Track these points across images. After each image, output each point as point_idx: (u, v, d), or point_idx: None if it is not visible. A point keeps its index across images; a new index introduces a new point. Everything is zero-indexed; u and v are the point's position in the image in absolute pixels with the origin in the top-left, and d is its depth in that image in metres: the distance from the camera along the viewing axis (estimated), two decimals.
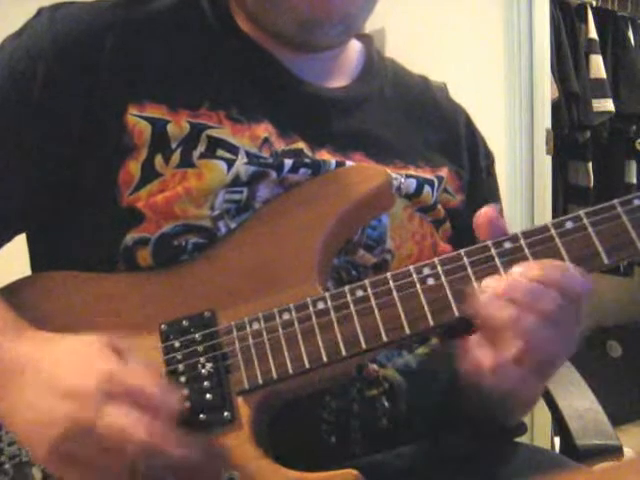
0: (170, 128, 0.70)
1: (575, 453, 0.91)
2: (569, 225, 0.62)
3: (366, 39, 0.89)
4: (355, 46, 0.87)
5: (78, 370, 0.59)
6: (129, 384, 0.58)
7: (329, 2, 0.72)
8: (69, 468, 0.58)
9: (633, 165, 2.89)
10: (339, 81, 0.82)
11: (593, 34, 2.72)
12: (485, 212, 0.63)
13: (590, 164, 2.75)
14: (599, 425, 0.95)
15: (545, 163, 2.49)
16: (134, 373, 0.59)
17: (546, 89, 2.47)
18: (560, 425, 0.97)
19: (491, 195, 0.90)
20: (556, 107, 2.54)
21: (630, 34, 2.85)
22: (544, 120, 2.47)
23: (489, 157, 0.91)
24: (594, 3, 2.74)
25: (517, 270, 0.60)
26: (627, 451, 0.97)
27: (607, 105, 2.69)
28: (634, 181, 2.88)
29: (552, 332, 0.59)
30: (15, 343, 0.63)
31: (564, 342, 0.61)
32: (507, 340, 0.59)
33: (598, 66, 2.70)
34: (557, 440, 1.00)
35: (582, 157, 2.75)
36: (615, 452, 0.91)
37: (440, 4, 2.31)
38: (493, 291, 0.59)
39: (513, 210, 2.39)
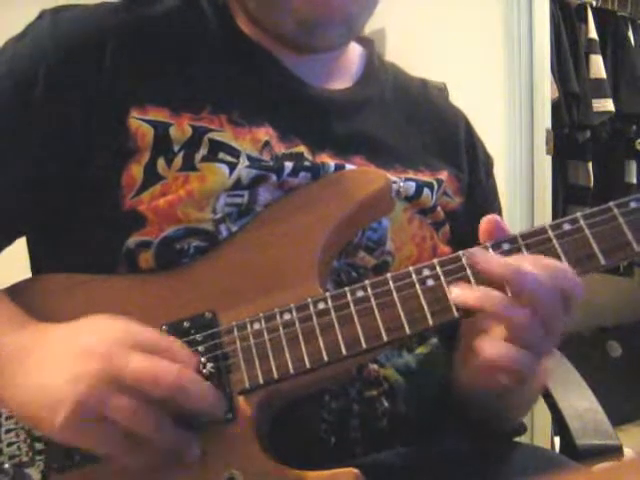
0: (172, 131, 0.71)
1: (575, 453, 0.91)
2: (566, 227, 0.62)
3: (367, 43, 0.89)
4: (356, 49, 0.87)
5: (93, 334, 0.60)
6: (150, 334, 0.60)
7: (330, 3, 0.72)
8: (90, 431, 0.58)
9: (633, 165, 2.89)
10: (340, 84, 0.82)
11: (593, 34, 2.72)
12: (489, 218, 0.63)
13: (590, 164, 2.75)
14: (599, 425, 0.95)
15: (545, 163, 2.49)
16: (149, 329, 0.61)
17: (546, 89, 2.47)
18: (560, 425, 0.97)
19: (490, 199, 0.91)
20: (556, 107, 2.54)
21: (630, 34, 2.85)
22: (544, 120, 2.47)
23: (488, 161, 0.92)
24: (594, 3, 2.74)
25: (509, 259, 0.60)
26: (627, 451, 0.97)
27: (607, 105, 2.69)
28: (634, 181, 2.88)
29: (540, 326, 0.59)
30: (19, 334, 0.64)
31: (549, 338, 0.60)
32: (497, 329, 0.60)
33: (598, 66, 2.70)
34: (557, 440, 1.00)
35: (582, 157, 2.75)
36: (615, 452, 0.92)
37: (440, 4, 2.32)
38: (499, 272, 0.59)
39: (513, 210, 2.39)
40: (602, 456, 0.90)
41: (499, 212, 0.92)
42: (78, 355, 0.59)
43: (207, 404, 0.60)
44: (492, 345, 0.59)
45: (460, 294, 0.60)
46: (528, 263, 0.59)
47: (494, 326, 0.61)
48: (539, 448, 0.87)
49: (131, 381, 0.57)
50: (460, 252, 0.63)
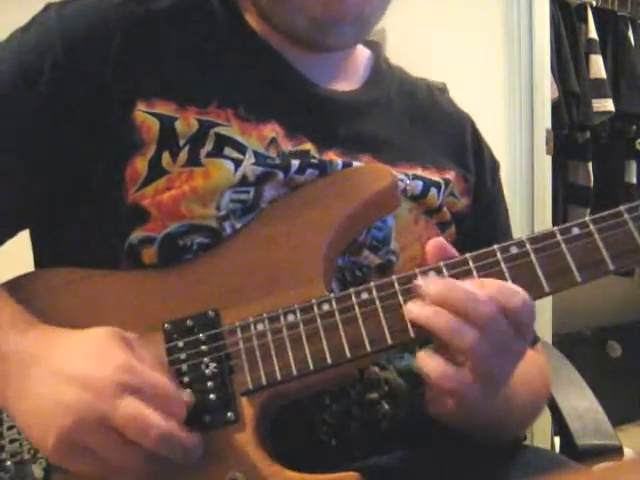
0: (178, 125, 0.70)
1: (575, 453, 0.91)
2: (575, 231, 0.62)
3: (375, 46, 0.89)
4: (364, 52, 0.88)
5: (92, 360, 0.59)
6: (146, 377, 0.59)
7: (342, 2, 0.72)
8: (77, 458, 0.58)
9: (633, 165, 2.89)
10: (347, 85, 0.82)
11: (593, 34, 2.71)
12: (435, 242, 0.63)
13: (590, 164, 2.75)
14: (599, 425, 0.95)
15: (545, 163, 2.49)
16: (148, 367, 0.60)
17: (546, 89, 2.47)
18: (560, 425, 0.97)
19: (496, 202, 0.91)
20: (556, 107, 2.54)
21: (630, 34, 2.84)
22: (544, 120, 2.47)
23: (495, 165, 0.92)
24: (594, 3, 2.74)
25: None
26: (627, 451, 0.98)
27: (607, 105, 2.69)
28: (634, 181, 2.88)
29: (489, 347, 0.58)
30: (23, 336, 0.64)
31: (503, 361, 0.60)
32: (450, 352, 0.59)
33: (598, 66, 2.70)
34: (557, 440, 1.00)
35: (582, 157, 2.75)
36: (615, 452, 0.92)
37: (440, 4, 2.32)
38: (433, 291, 0.60)
39: (513, 210, 2.39)
40: (602, 456, 0.90)
41: (506, 216, 0.92)
42: (74, 381, 0.58)
43: (190, 459, 0.59)
44: (431, 362, 0.59)
45: (412, 311, 0.60)
46: (469, 284, 0.59)
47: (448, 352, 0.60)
48: (540, 449, 0.86)
49: (118, 424, 0.56)
50: (467, 255, 0.63)
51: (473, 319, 0.58)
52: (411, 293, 0.62)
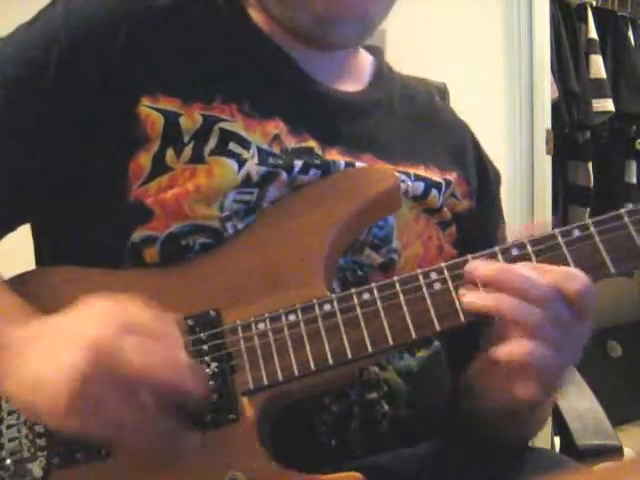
0: (183, 121, 0.70)
1: (575, 453, 0.91)
2: (576, 233, 0.62)
3: (377, 51, 0.90)
4: (366, 57, 0.88)
5: (88, 320, 0.59)
6: (142, 318, 0.59)
7: (346, 0, 0.73)
8: (91, 416, 0.57)
9: (633, 165, 2.88)
10: (351, 86, 0.82)
11: (593, 34, 2.71)
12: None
13: (590, 164, 2.75)
14: (599, 425, 0.95)
15: (545, 163, 2.49)
16: (144, 311, 0.60)
17: (546, 89, 2.47)
18: (560, 425, 0.98)
19: (497, 212, 0.91)
20: (556, 107, 2.54)
21: (630, 34, 2.84)
22: (544, 120, 2.47)
23: (497, 176, 0.92)
24: (594, 3, 2.73)
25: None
26: (627, 451, 0.98)
27: (607, 105, 2.69)
28: (634, 181, 2.87)
29: (555, 333, 0.58)
30: (23, 328, 0.63)
31: (568, 346, 0.60)
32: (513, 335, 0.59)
33: (598, 66, 2.70)
34: (557, 440, 1.00)
35: (582, 157, 2.75)
36: (615, 452, 0.92)
37: (440, 4, 2.31)
38: (485, 274, 0.60)
39: (513, 210, 2.39)
40: (602, 456, 0.90)
41: (504, 228, 0.93)
42: (73, 342, 0.58)
43: (201, 387, 0.59)
44: (510, 344, 0.59)
45: (467, 296, 0.60)
46: (522, 265, 0.60)
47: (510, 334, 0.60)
48: (540, 449, 0.86)
49: (125, 362, 0.56)
50: (468, 256, 0.63)
51: (532, 300, 0.58)
52: (412, 293, 0.62)
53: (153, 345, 0.57)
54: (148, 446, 0.59)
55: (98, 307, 0.61)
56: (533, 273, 0.59)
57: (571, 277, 0.59)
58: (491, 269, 0.60)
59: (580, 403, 0.99)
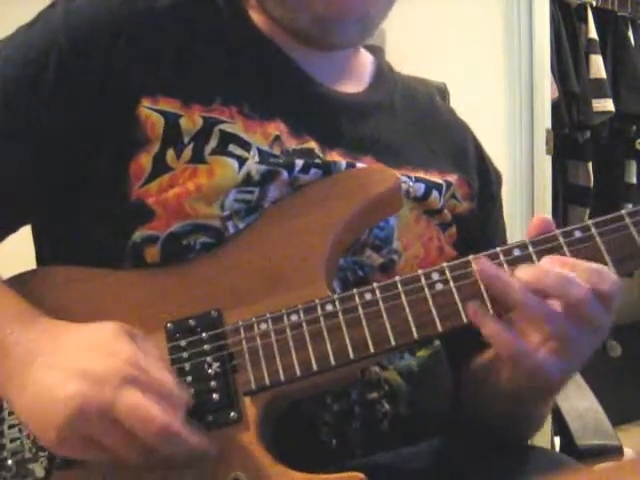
0: (183, 122, 0.71)
1: (575, 453, 0.91)
2: (577, 234, 0.62)
3: (377, 51, 0.90)
4: (367, 57, 0.88)
5: (98, 354, 0.60)
6: (150, 371, 0.59)
7: (346, 1, 0.73)
8: (80, 448, 0.58)
9: (633, 165, 2.88)
10: (351, 87, 0.82)
11: (593, 34, 2.71)
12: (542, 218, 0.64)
13: (590, 164, 2.75)
14: (599, 425, 0.95)
15: (545, 163, 2.49)
16: (152, 361, 0.60)
17: (546, 89, 2.47)
18: (560, 425, 0.97)
19: (498, 214, 0.91)
20: (556, 107, 2.54)
21: (630, 34, 2.84)
22: (544, 120, 2.47)
23: (498, 177, 0.92)
24: (594, 3, 2.73)
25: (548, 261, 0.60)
26: (627, 451, 0.97)
27: (607, 105, 2.69)
28: (634, 181, 2.87)
29: (578, 324, 0.59)
30: (27, 329, 0.64)
31: (588, 339, 0.61)
32: (534, 327, 0.60)
33: (598, 66, 2.70)
34: (557, 440, 1.00)
35: (582, 157, 2.74)
36: (615, 452, 0.92)
37: (440, 4, 2.31)
38: (524, 279, 0.59)
39: (513, 210, 2.39)
40: (602, 456, 0.90)
41: (504, 230, 0.93)
42: (76, 373, 0.58)
43: (192, 451, 0.59)
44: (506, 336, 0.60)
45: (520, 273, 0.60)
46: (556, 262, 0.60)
47: (528, 329, 0.61)
48: (540, 449, 0.86)
49: (119, 415, 0.56)
50: (470, 256, 0.63)
51: (567, 301, 0.58)
52: (414, 294, 0.62)
53: (154, 403, 0.57)
54: (152, 464, 0.59)
55: (111, 340, 0.61)
56: (568, 272, 0.59)
57: (605, 276, 0.59)
58: (528, 272, 0.60)
59: (580, 403, 0.99)
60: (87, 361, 0.59)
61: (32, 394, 0.60)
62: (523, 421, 0.77)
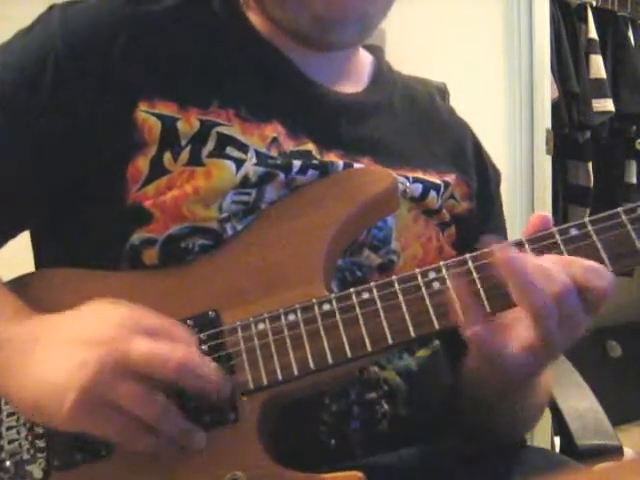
0: (180, 125, 0.71)
1: (575, 453, 0.91)
2: (574, 232, 0.62)
3: (377, 50, 0.90)
4: (366, 56, 0.88)
5: (95, 322, 0.60)
6: (150, 318, 0.60)
7: (345, 1, 0.73)
8: (98, 416, 0.58)
9: (633, 165, 2.88)
10: (350, 87, 0.82)
11: (593, 34, 2.71)
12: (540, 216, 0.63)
13: (590, 164, 2.75)
14: (599, 425, 0.95)
15: (545, 163, 2.49)
16: (148, 312, 0.61)
17: (546, 89, 2.47)
18: (560, 425, 0.97)
19: (498, 212, 0.91)
20: (556, 107, 2.54)
21: (630, 34, 2.84)
22: (544, 120, 2.47)
23: (497, 175, 0.92)
24: (594, 3, 2.73)
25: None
26: (627, 451, 0.97)
27: (607, 105, 2.69)
28: (634, 181, 2.87)
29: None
30: (23, 324, 0.64)
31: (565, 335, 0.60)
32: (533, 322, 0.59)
33: (598, 66, 2.70)
34: (557, 440, 1.00)
35: (582, 157, 2.74)
36: (615, 452, 0.91)
37: (440, 4, 2.31)
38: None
39: (513, 210, 2.39)
40: (602, 456, 0.90)
41: (504, 227, 0.93)
42: (82, 342, 0.59)
43: (214, 384, 0.60)
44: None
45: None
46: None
47: (517, 323, 0.61)
48: (540, 449, 0.87)
49: (136, 364, 0.57)
50: (467, 255, 0.63)
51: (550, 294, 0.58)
52: (411, 293, 0.62)
53: (165, 343, 0.58)
54: (156, 446, 0.59)
55: (105, 309, 0.62)
56: (550, 265, 0.59)
57: (600, 274, 0.59)
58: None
59: (580, 403, 0.99)
60: (92, 328, 0.60)
61: (39, 376, 0.59)
62: (512, 413, 0.77)
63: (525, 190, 2.46)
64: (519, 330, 0.60)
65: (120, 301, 0.62)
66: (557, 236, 0.62)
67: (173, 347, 0.58)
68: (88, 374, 0.57)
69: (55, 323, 0.63)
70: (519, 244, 0.62)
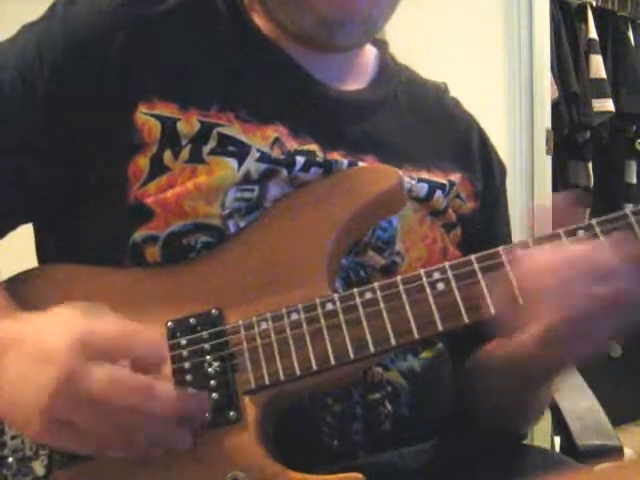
0: (180, 126, 0.70)
1: (575, 453, 0.91)
2: (581, 234, 0.61)
3: (381, 44, 0.89)
4: (371, 51, 0.87)
5: (53, 334, 0.58)
6: (105, 335, 0.57)
7: (350, 3, 0.72)
8: (64, 436, 0.57)
9: (633, 165, 2.89)
10: (354, 84, 0.82)
11: (593, 34, 2.72)
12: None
13: (590, 164, 2.75)
14: (599, 425, 0.95)
15: (545, 163, 2.49)
16: (106, 325, 0.58)
17: (546, 89, 2.47)
18: (560, 425, 0.97)
19: (502, 208, 0.92)
20: (556, 107, 2.54)
21: (630, 34, 2.85)
22: (544, 120, 2.47)
23: (502, 170, 0.92)
24: (594, 3, 2.74)
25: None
26: (627, 451, 0.97)
27: (607, 105, 2.69)
28: (634, 181, 2.88)
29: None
30: (5, 321, 0.63)
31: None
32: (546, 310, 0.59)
33: (598, 66, 2.70)
34: (557, 440, 1.00)
35: (582, 157, 2.75)
36: (615, 452, 0.91)
37: (440, 4, 2.31)
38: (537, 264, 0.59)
39: (513, 210, 2.37)
40: (602, 456, 0.90)
41: (508, 223, 0.93)
42: (40, 362, 0.57)
43: (182, 411, 0.58)
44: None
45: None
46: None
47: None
48: (540, 449, 0.86)
49: (96, 397, 0.55)
50: (472, 256, 0.62)
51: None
52: (415, 293, 0.62)
53: (122, 378, 0.56)
54: (137, 452, 0.58)
55: (63, 323, 0.59)
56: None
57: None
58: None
59: (580, 403, 0.99)
60: (50, 346, 0.57)
61: (8, 391, 0.59)
62: (525, 404, 0.77)
63: (525, 190, 2.46)
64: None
65: (81, 307, 0.59)
66: (564, 238, 0.61)
67: (131, 375, 0.56)
68: (44, 399, 0.56)
69: (26, 327, 0.61)
70: (525, 245, 0.62)
